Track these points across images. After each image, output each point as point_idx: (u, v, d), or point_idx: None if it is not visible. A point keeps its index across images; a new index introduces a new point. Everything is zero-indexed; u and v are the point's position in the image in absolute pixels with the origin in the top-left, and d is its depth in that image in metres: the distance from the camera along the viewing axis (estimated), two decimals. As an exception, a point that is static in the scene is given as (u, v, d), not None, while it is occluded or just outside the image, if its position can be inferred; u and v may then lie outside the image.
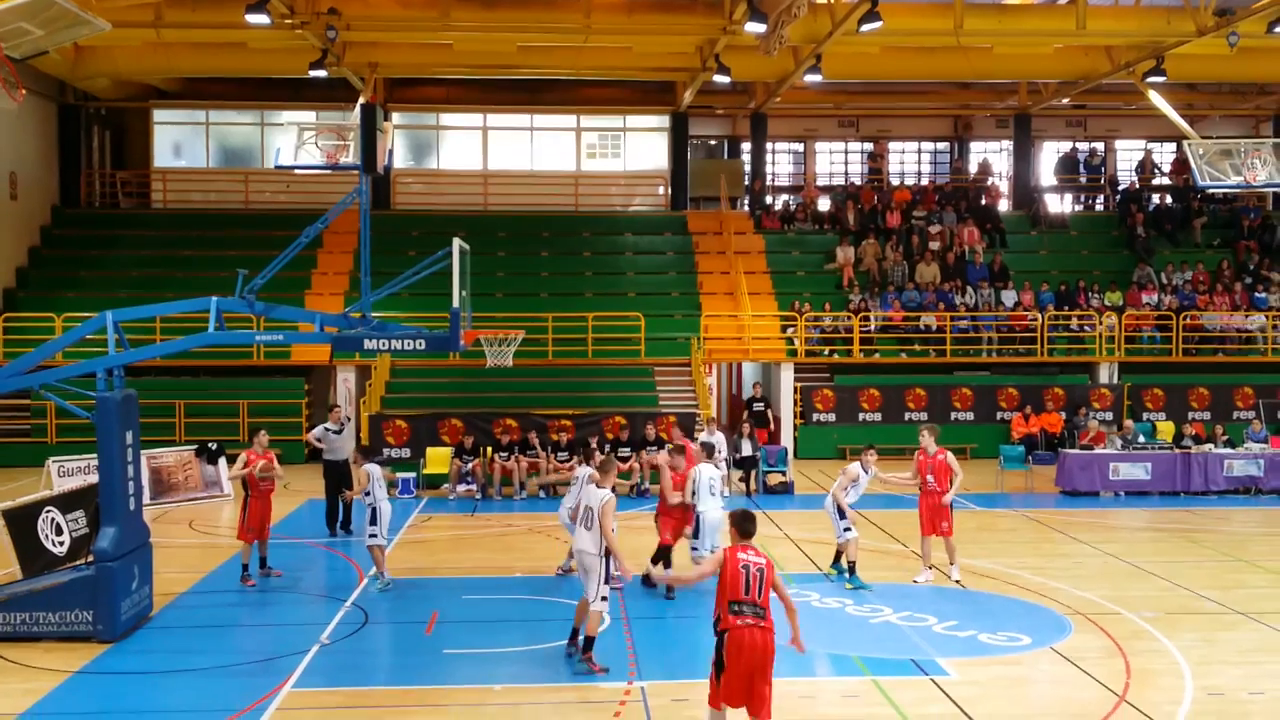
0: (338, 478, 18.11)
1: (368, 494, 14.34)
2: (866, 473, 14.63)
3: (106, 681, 11.05)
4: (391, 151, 30.67)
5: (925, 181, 36.90)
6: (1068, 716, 9.95)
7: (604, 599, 11.08)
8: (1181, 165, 32.77)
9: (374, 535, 14.34)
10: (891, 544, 17.14)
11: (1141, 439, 23.13)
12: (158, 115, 33.88)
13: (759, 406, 25.66)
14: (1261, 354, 28.41)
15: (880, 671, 11.13)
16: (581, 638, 11.25)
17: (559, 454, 21.67)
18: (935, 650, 11.72)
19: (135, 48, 27.68)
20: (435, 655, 11.78)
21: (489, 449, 22.08)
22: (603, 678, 10.87)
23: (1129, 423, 24.03)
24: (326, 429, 18.38)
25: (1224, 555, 16.60)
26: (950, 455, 14.65)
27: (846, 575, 14.55)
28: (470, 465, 21.81)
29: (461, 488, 21.74)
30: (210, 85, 32.64)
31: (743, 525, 8.57)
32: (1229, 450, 22.26)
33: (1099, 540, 17.18)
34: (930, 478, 14.54)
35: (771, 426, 25.95)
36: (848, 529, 14.49)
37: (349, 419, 18.89)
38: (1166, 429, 25.47)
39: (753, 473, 22.19)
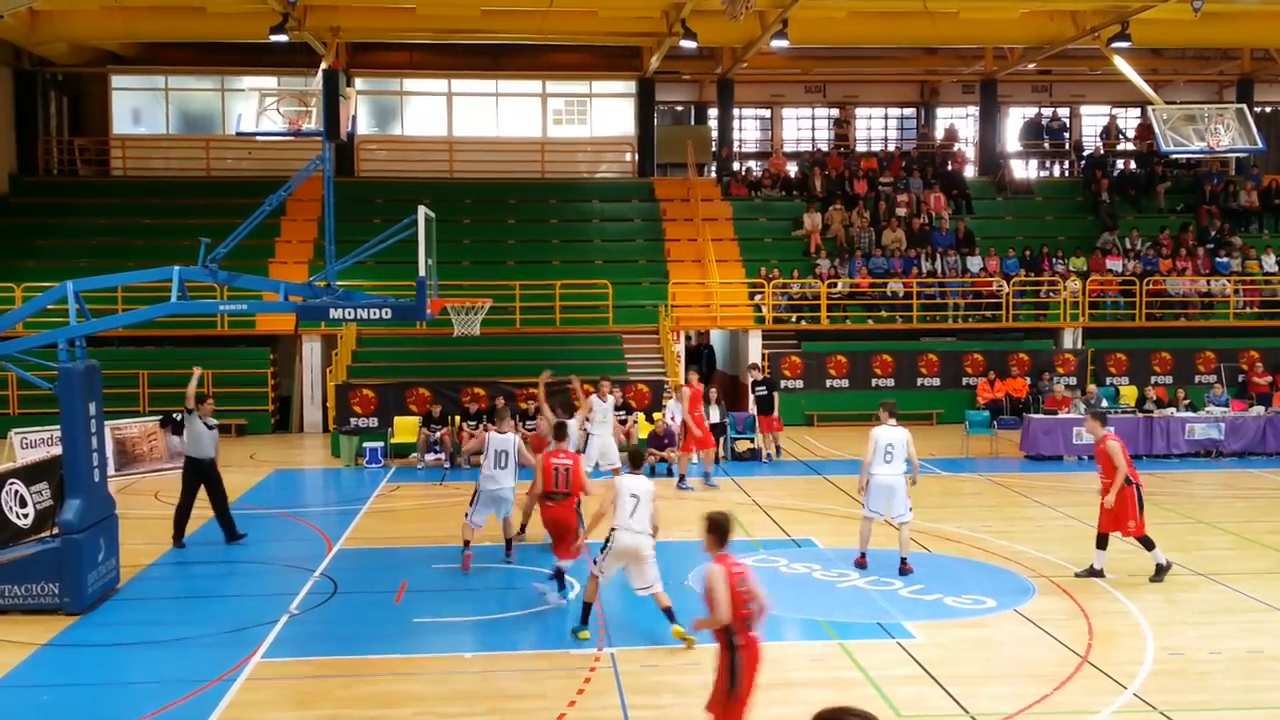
0: (200, 478, 15.07)
1: None
2: (604, 402, 16.26)
3: (74, 654, 10.99)
4: (355, 118, 30.36)
5: (892, 147, 36.95)
6: (1031, 677, 10.08)
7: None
8: (1146, 131, 32.95)
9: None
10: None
11: (1105, 403, 23.38)
12: (116, 81, 33.36)
13: (761, 391, 22.15)
14: (1223, 318, 28.74)
15: (847, 635, 11.24)
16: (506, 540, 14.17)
17: (527, 423, 21.63)
18: (901, 614, 11.85)
19: (92, 12, 27.19)
20: (405, 624, 11.78)
21: (457, 418, 22.04)
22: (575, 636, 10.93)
23: (1092, 387, 24.26)
24: (205, 422, 15.12)
25: (1185, 517, 16.84)
26: None
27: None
28: (438, 434, 21.76)
29: (430, 456, 21.70)
30: (169, 50, 32.13)
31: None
32: (1191, 414, 22.53)
33: (1063, 504, 17.37)
34: None
35: (776, 412, 22.12)
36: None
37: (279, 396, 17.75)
38: (1129, 393, 25.76)
39: (721, 440, 22.23)
